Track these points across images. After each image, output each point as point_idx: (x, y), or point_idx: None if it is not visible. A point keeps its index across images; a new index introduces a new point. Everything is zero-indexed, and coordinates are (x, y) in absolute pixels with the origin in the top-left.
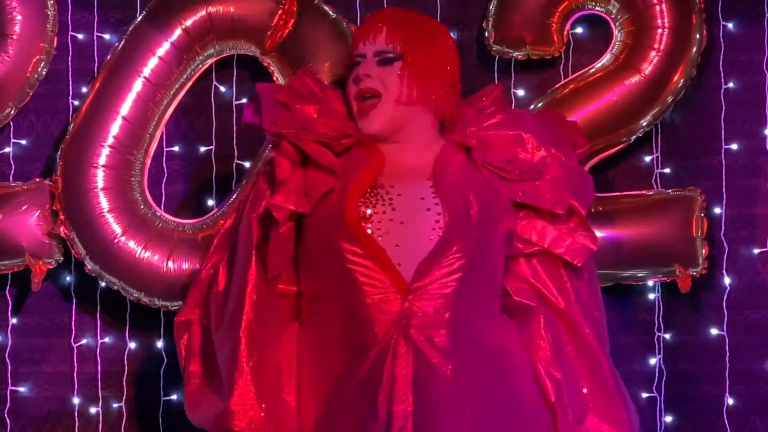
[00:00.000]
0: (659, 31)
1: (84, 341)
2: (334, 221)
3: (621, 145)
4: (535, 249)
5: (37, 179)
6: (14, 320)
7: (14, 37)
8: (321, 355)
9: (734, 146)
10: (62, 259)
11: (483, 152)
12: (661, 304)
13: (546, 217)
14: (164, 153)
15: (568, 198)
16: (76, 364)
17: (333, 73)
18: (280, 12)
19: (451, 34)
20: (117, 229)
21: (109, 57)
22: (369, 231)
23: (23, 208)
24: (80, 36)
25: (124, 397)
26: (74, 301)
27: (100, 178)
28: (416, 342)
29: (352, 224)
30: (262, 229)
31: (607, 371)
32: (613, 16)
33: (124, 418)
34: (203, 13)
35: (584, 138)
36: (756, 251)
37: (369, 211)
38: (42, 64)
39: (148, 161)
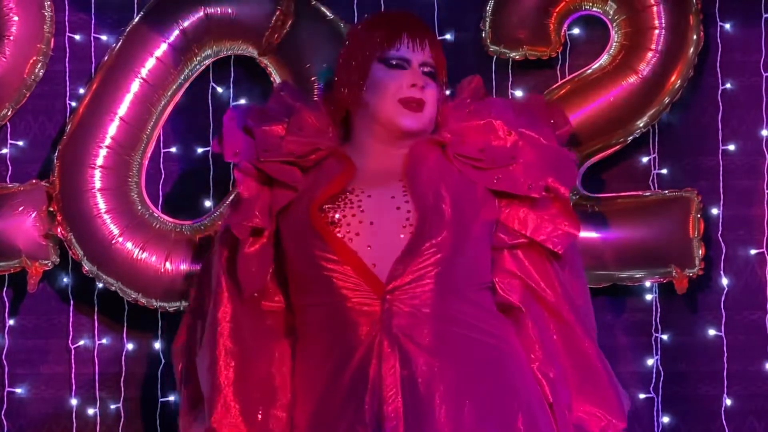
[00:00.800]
0: (656, 31)
1: (81, 342)
2: (305, 230)
3: (618, 146)
4: (520, 240)
5: (34, 180)
6: (11, 321)
7: (11, 38)
8: (311, 364)
9: (731, 147)
10: (59, 260)
11: (456, 145)
12: (658, 304)
13: (526, 203)
14: (162, 154)
15: (543, 179)
16: (73, 366)
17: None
18: (277, 13)
19: (449, 34)
20: (114, 230)
21: (106, 58)
22: (339, 235)
23: (20, 209)
24: (77, 37)
25: (121, 399)
26: (72, 302)
27: (97, 179)
28: (400, 341)
29: (321, 230)
30: (231, 248)
31: (594, 357)
32: (610, 17)
33: (122, 420)
34: (201, 14)
35: (566, 118)
36: (753, 252)
37: (337, 216)
38: (39, 65)
39: (146, 162)
